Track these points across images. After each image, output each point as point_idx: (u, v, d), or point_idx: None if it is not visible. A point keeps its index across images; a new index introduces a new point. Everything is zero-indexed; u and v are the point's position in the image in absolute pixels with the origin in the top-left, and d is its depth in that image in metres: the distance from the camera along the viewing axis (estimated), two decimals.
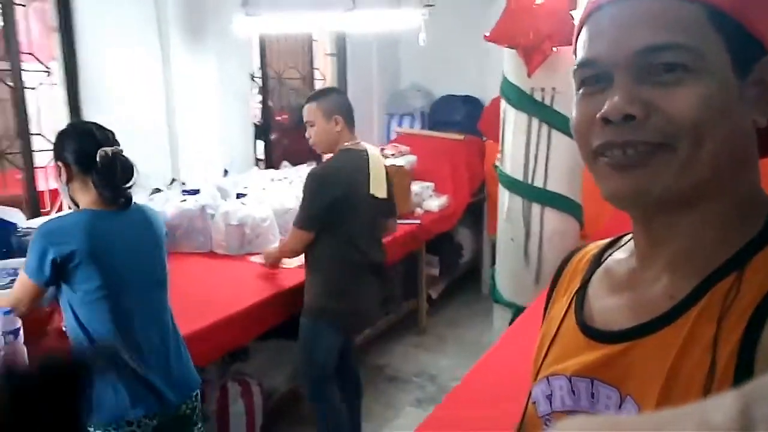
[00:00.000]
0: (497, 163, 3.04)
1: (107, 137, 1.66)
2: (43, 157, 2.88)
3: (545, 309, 0.71)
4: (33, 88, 2.94)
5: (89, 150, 1.61)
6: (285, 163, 4.00)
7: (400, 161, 3.79)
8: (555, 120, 2.65)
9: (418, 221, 3.60)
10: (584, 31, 0.56)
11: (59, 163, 1.66)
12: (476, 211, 4.45)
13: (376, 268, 2.40)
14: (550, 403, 0.62)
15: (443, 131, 4.53)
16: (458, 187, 4.19)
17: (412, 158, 4.01)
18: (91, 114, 3.11)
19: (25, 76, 2.84)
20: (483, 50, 3.83)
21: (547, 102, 2.68)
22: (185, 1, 3.44)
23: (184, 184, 3.20)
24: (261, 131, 4.46)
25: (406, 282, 3.88)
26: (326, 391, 2.34)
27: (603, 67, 0.53)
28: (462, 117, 4.65)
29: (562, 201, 2.78)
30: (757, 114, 0.53)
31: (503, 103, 2.88)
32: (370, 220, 2.36)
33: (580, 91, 0.56)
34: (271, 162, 4.16)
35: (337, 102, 2.29)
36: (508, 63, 2.80)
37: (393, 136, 4.83)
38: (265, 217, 2.90)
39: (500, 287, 3.09)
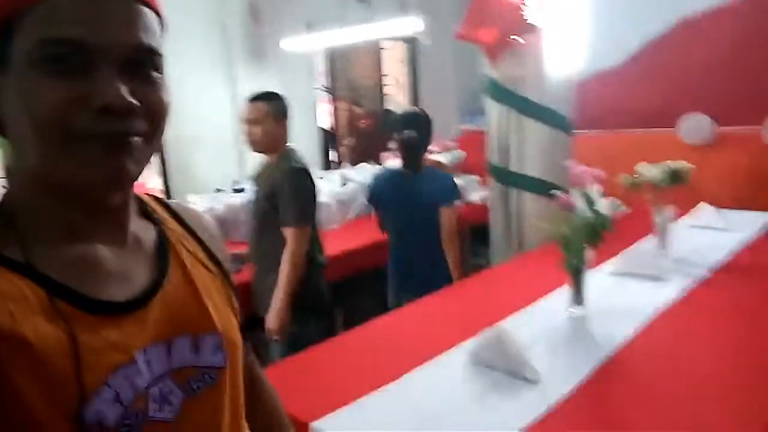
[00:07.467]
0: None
1: None
2: None
3: None
4: None
5: None
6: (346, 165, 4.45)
7: (440, 157, 3.99)
8: (525, 107, 2.71)
9: None
10: (51, 3, 0.52)
11: None
12: None
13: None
14: None
15: None
16: None
17: (459, 153, 4.16)
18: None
19: None
20: None
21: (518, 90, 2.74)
22: (246, 31, 4.04)
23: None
24: (331, 137, 4.97)
25: None
26: None
27: (87, 51, 0.52)
28: None
29: (534, 184, 2.80)
30: None
31: (487, 97, 2.96)
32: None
33: (46, 66, 0.52)
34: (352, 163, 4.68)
35: (285, 106, 2.41)
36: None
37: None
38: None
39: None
